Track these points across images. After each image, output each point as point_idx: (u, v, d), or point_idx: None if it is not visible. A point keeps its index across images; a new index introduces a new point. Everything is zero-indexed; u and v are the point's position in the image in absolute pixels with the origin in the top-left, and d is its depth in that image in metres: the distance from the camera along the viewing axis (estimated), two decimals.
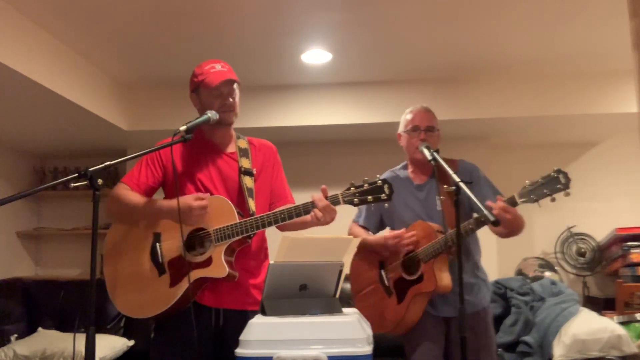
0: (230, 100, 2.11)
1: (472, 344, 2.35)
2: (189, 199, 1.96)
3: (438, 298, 2.37)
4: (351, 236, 2.00)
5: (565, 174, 2.03)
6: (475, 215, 2.28)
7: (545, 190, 2.04)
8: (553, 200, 2.04)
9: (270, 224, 1.98)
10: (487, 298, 2.49)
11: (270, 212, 2.00)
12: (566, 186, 2.02)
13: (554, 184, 2.04)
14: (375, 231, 2.62)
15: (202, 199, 1.97)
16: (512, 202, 2.11)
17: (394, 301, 2.42)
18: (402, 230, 2.40)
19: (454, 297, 2.35)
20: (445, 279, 2.32)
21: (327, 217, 1.96)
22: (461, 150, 4.44)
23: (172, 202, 1.97)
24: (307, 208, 1.96)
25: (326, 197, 1.95)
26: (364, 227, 2.61)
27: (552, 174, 2.05)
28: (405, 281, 2.39)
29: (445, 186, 2.07)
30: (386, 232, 2.51)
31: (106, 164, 1.70)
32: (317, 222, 1.97)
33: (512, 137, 4.96)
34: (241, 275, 2.04)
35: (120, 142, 4.85)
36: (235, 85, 2.13)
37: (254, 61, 3.92)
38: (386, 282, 2.48)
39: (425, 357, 2.37)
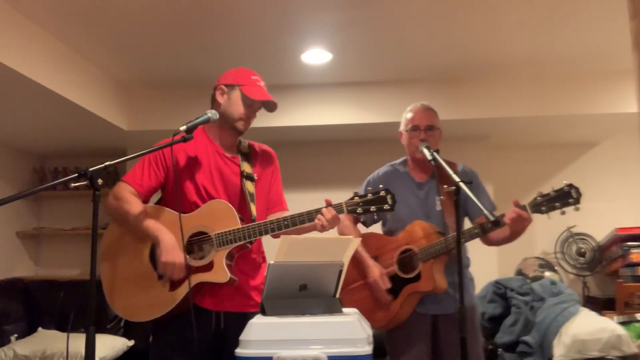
0: (255, 115, 2.19)
1: (457, 339, 2.37)
2: (171, 265, 1.93)
3: (428, 296, 2.38)
4: (351, 236, 2.00)
5: (577, 189, 2.10)
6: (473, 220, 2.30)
7: (556, 204, 2.11)
8: (563, 213, 2.10)
9: (273, 230, 1.98)
10: (474, 297, 2.53)
11: (274, 219, 2.01)
12: (577, 201, 2.09)
13: (565, 198, 2.11)
14: (370, 224, 2.63)
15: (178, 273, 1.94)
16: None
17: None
18: (382, 276, 2.39)
19: (442, 295, 2.37)
20: (442, 280, 2.34)
21: (332, 226, 2.00)
22: (461, 150, 4.47)
23: (164, 231, 1.96)
24: (310, 216, 1.97)
25: (330, 206, 1.98)
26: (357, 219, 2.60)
27: (564, 187, 2.11)
28: (400, 279, 2.39)
29: (445, 186, 2.07)
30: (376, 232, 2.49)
31: (106, 164, 1.70)
32: (322, 229, 1.99)
33: (512, 137, 4.96)
34: (240, 278, 2.04)
35: (120, 142, 4.85)
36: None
37: (254, 61, 3.91)
38: None
39: (414, 357, 2.37)
